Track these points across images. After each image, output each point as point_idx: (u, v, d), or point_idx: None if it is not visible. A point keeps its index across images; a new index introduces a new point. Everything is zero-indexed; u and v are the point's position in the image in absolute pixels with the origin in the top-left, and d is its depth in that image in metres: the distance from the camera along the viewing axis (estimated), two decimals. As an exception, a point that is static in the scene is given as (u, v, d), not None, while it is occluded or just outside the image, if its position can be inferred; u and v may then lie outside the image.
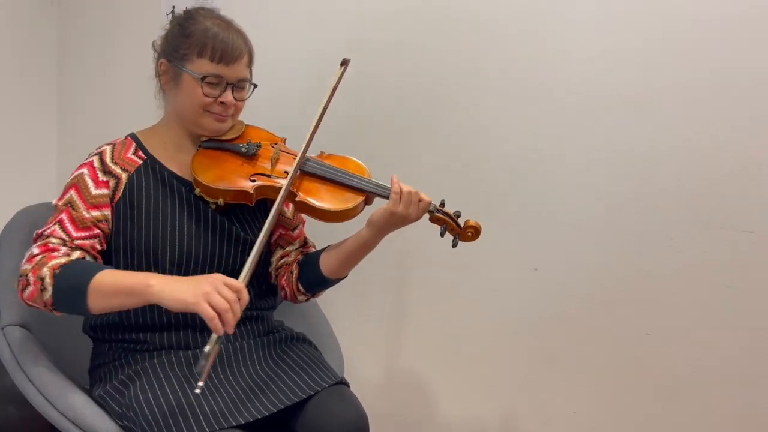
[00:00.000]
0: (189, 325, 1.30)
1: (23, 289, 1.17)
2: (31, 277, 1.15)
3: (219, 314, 1.04)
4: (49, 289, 1.14)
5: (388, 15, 1.84)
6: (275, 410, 1.20)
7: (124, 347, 1.30)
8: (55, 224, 1.23)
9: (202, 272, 1.30)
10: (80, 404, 1.25)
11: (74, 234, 1.22)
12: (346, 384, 1.34)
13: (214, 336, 1.04)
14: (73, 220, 1.23)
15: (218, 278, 1.08)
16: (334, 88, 1.36)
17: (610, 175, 1.68)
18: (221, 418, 1.15)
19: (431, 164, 1.83)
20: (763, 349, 1.59)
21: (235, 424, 1.15)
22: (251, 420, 1.17)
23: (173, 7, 2.00)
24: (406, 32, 1.82)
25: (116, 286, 1.12)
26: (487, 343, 1.85)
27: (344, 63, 1.37)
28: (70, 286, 1.13)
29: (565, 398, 1.79)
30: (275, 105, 1.89)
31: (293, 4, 1.93)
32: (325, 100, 1.36)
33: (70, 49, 2.22)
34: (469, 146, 1.80)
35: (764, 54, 1.53)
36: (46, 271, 1.14)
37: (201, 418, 1.15)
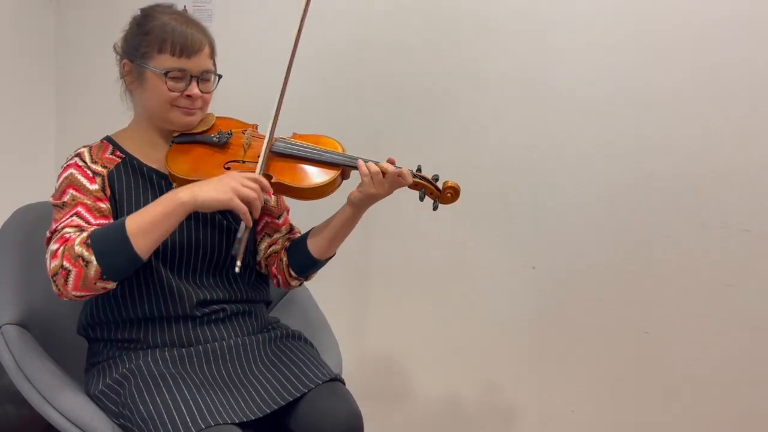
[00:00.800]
0: (180, 319, 1.30)
1: (65, 281, 1.14)
2: (68, 264, 1.14)
3: (248, 204, 1.18)
4: (93, 259, 1.13)
5: (388, 15, 1.83)
6: (269, 411, 1.20)
7: (118, 346, 1.30)
8: (71, 216, 1.21)
9: (188, 263, 1.31)
10: (78, 403, 1.25)
11: (93, 222, 1.22)
12: (341, 381, 1.34)
13: (242, 225, 1.21)
14: (90, 210, 1.23)
15: (236, 173, 1.20)
16: (297, 40, 1.38)
17: (609, 174, 1.68)
18: (216, 415, 1.15)
19: (431, 163, 1.81)
20: (763, 349, 1.60)
21: (229, 421, 1.15)
22: (245, 420, 1.17)
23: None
24: (406, 32, 1.82)
25: (151, 219, 1.16)
26: (485, 341, 1.85)
27: None
28: (111, 245, 1.14)
29: (563, 397, 1.79)
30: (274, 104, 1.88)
31: (293, 4, 1.93)
32: (287, 64, 1.39)
33: (69, 47, 2.21)
34: (469, 145, 1.80)
35: (764, 53, 1.54)
36: (78, 249, 1.14)
37: (196, 414, 1.15)
